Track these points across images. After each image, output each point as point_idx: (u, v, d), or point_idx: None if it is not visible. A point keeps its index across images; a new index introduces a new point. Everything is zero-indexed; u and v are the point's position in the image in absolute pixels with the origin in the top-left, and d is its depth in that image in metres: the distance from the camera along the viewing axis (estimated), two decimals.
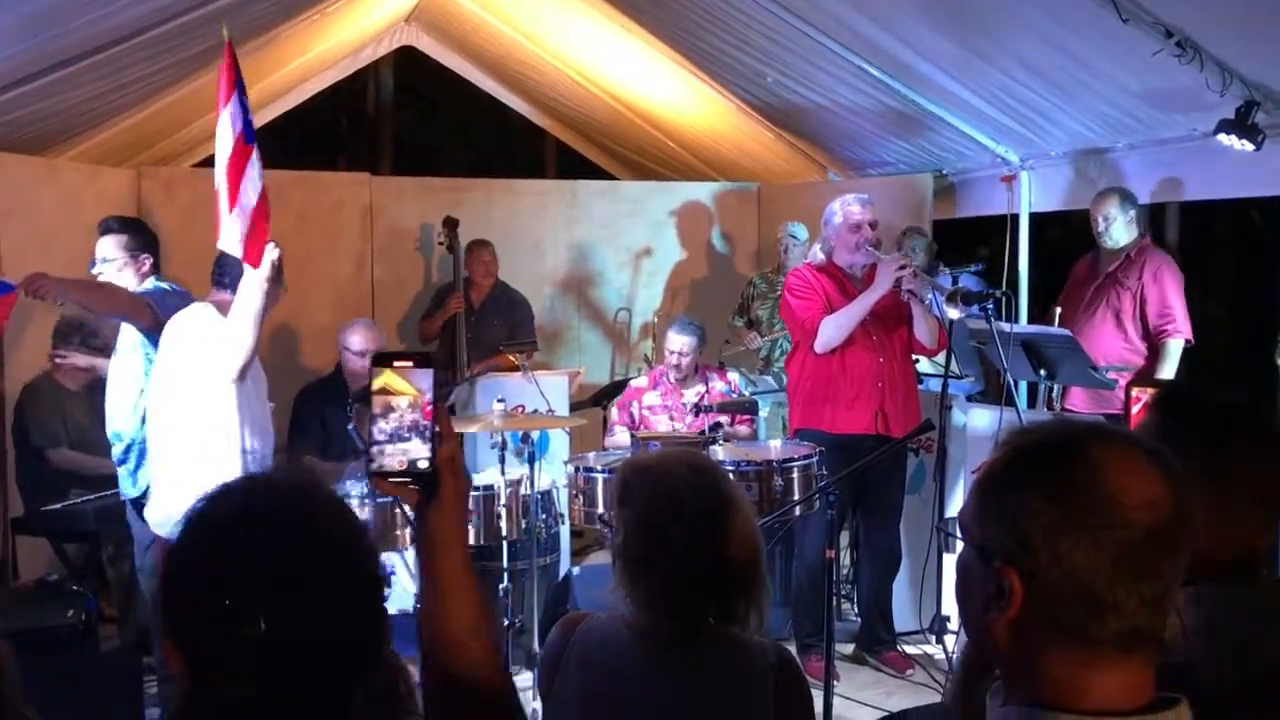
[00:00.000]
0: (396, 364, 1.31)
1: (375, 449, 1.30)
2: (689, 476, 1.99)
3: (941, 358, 4.86)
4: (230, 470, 3.46)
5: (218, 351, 3.50)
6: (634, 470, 2.06)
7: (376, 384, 1.30)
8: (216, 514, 1.21)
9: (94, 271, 4.09)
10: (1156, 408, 1.65)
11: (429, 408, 1.30)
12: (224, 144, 3.50)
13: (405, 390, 1.31)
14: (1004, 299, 4.54)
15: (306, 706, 1.17)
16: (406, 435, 1.30)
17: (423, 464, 1.30)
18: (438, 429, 1.30)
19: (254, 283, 3.42)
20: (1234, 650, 1.44)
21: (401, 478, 1.30)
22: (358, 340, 5.16)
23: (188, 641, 1.17)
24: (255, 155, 3.50)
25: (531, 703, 4.34)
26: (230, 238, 3.44)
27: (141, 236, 4.18)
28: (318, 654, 1.17)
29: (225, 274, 3.75)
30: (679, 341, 5.26)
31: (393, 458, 1.30)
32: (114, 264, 4.07)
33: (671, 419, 5.28)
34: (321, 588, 1.18)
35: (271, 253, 3.44)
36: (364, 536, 1.27)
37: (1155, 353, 4.96)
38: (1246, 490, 1.51)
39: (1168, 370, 4.90)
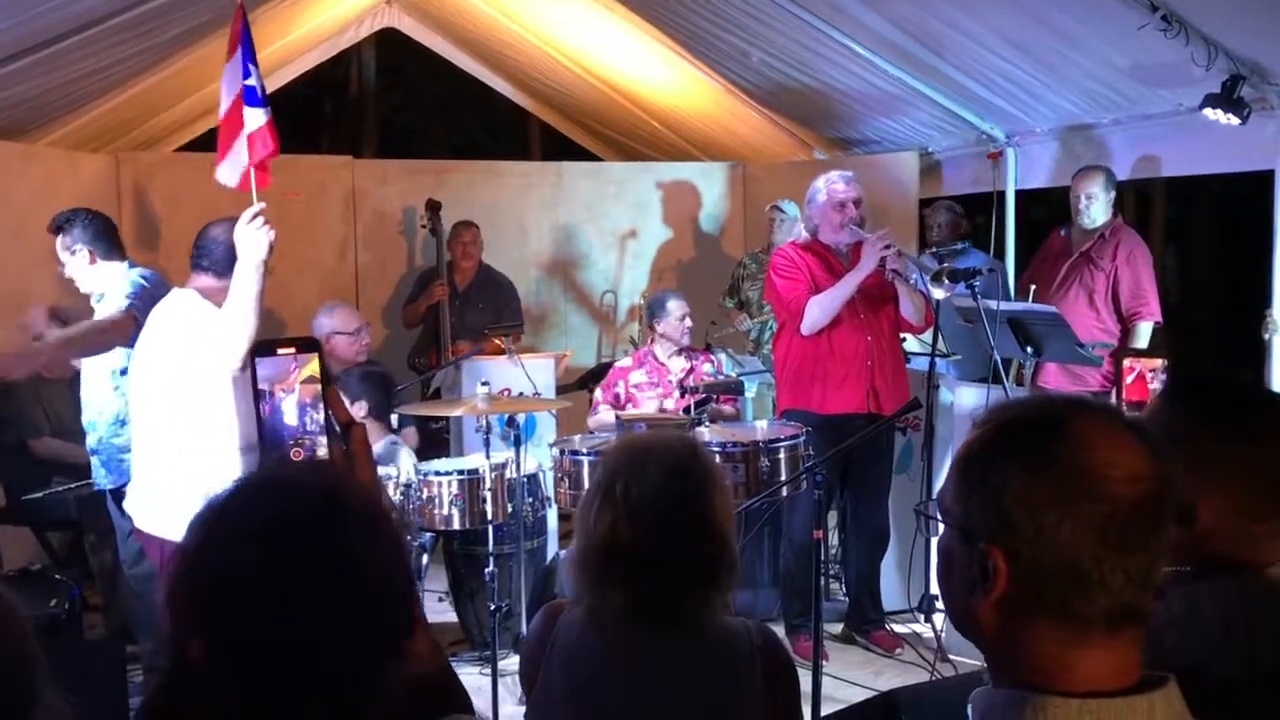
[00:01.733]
0: (281, 352, 1.26)
1: (306, 439, 1.25)
2: (673, 460, 1.96)
3: (928, 336, 4.85)
4: (228, 464, 3.38)
5: (214, 341, 3.34)
6: (617, 457, 2.02)
7: (306, 372, 1.25)
8: (245, 515, 1.13)
9: (61, 271, 4.06)
10: (1172, 395, 1.60)
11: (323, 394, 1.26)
12: (226, 99, 3.59)
13: (316, 375, 1.26)
14: (995, 273, 4.53)
15: (332, 704, 1.12)
16: (320, 422, 1.26)
17: (323, 451, 1.25)
18: (334, 415, 1.27)
19: (249, 268, 3.28)
20: (1246, 642, 1.42)
21: None
22: (345, 320, 5.12)
23: (223, 646, 1.11)
24: (249, 115, 3.53)
25: (520, 686, 4.34)
26: (227, 174, 3.55)
27: (91, 228, 4.12)
28: (355, 654, 1.11)
29: (204, 257, 3.62)
30: (682, 306, 5.28)
31: (303, 446, 1.24)
32: (77, 260, 4.05)
33: (659, 394, 5.25)
34: (365, 588, 1.12)
35: (267, 234, 3.31)
36: (400, 541, 1.19)
37: (1126, 333, 5.02)
38: (1273, 479, 1.47)
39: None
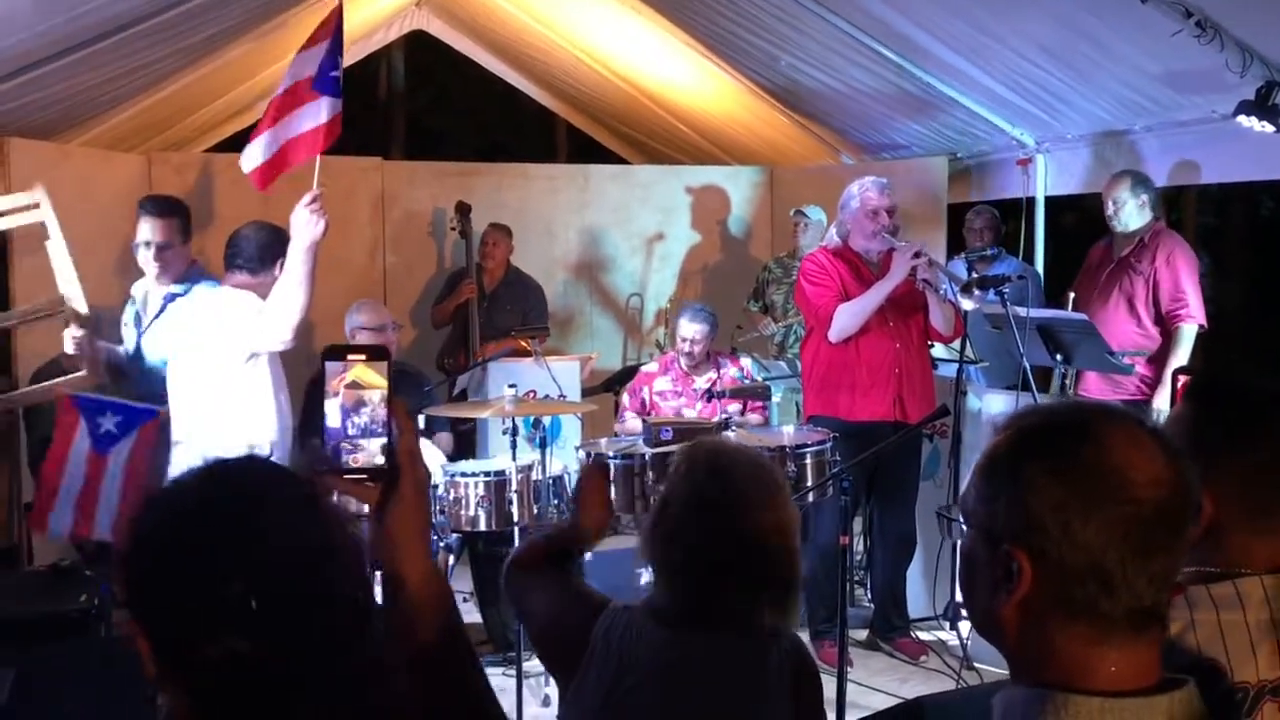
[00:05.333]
0: (350, 357, 1.28)
1: (348, 444, 1.26)
2: (754, 470, 2.00)
3: (957, 343, 4.83)
4: (268, 448, 3.56)
5: (263, 318, 3.47)
6: (678, 462, 2.05)
7: (350, 376, 1.27)
8: (178, 503, 1.16)
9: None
10: (1190, 397, 1.61)
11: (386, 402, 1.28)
12: (287, 80, 3.64)
13: (376, 384, 1.27)
14: (1025, 280, 4.51)
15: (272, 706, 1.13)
16: (378, 430, 1.27)
17: (380, 460, 1.27)
18: (393, 423, 1.28)
19: (301, 248, 3.41)
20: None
21: (359, 474, 1.27)
22: (369, 316, 5.15)
23: (152, 632, 1.14)
24: (323, 103, 3.61)
25: (544, 688, 4.35)
26: (249, 157, 3.60)
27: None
28: (275, 659, 1.11)
29: (238, 255, 3.73)
30: (691, 329, 5.20)
31: (363, 454, 1.26)
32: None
33: (682, 404, 5.25)
34: (272, 563, 1.12)
35: (322, 217, 3.42)
36: (337, 531, 1.19)
37: (1168, 338, 4.90)
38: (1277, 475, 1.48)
39: (1181, 356, 4.84)
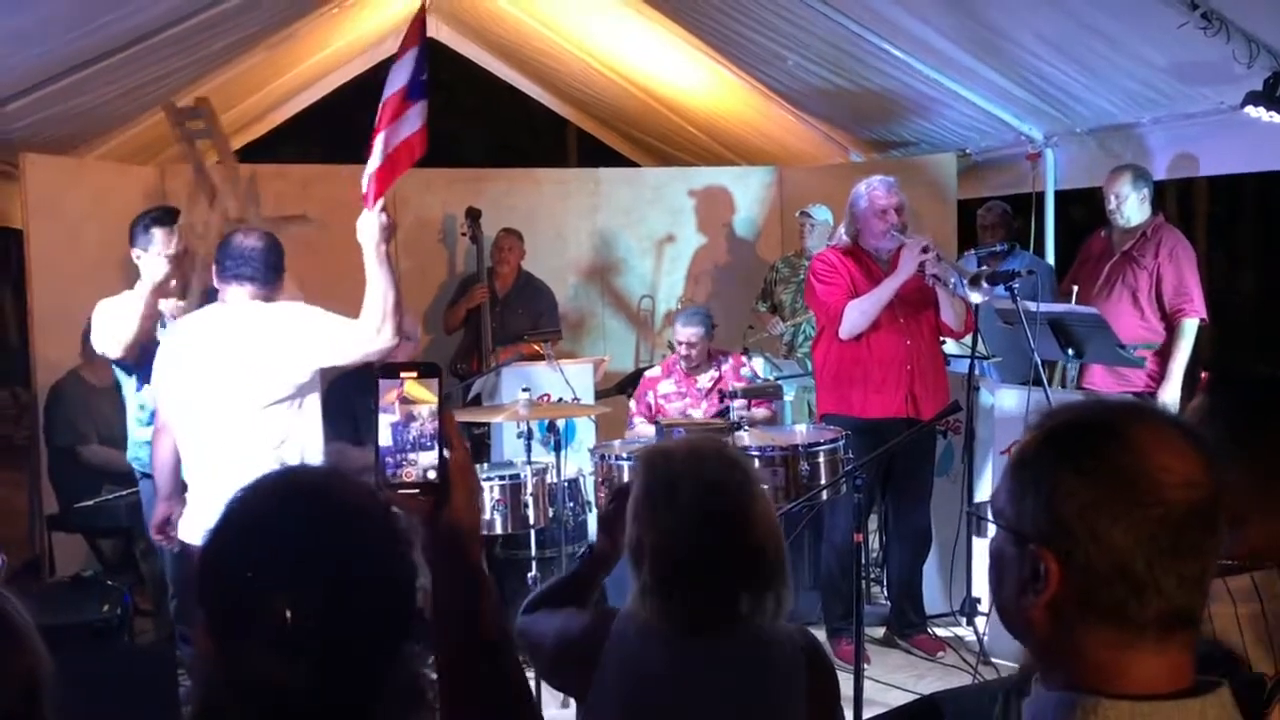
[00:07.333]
0: (403, 374, 1.32)
1: (399, 457, 1.30)
2: (708, 469, 1.94)
3: (968, 339, 4.83)
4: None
5: (365, 327, 3.37)
6: (660, 458, 2.01)
7: (403, 392, 1.32)
8: (254, 506, 1.23)
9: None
10: (1209, 388, 1.61)
11: (436, 416, 1.32)
12: (386, 95, 3.68)
13: (427, 399, 1.32)
14: (1035, 274, 4.52)
15: (331, 698, 1.17)
16: (428, 444, 1.31)
17: (432, 474, 1.31)
18: (446, 436, 1.32)
19: (375, 251, 3.37)
20: None
21: (411, 488, 1.31)
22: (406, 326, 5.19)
23: (220, 629, 1.20)
24: (416, 109, 3.67)
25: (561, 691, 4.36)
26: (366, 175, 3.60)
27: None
28: (344, 647, 1.18)
29: (245, 265, 3.50)
30: (686, 333, 5.28)
31: (413, 467, 1.30)
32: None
33: (687, 404, 5.27)
34: (352, 579, 1.19)
35: (386, 217, 3.42)
36: (399, 529, 1.28)
37: (1170, 332, 4.96)
38: None
39: (1184, 349, 4.93)
